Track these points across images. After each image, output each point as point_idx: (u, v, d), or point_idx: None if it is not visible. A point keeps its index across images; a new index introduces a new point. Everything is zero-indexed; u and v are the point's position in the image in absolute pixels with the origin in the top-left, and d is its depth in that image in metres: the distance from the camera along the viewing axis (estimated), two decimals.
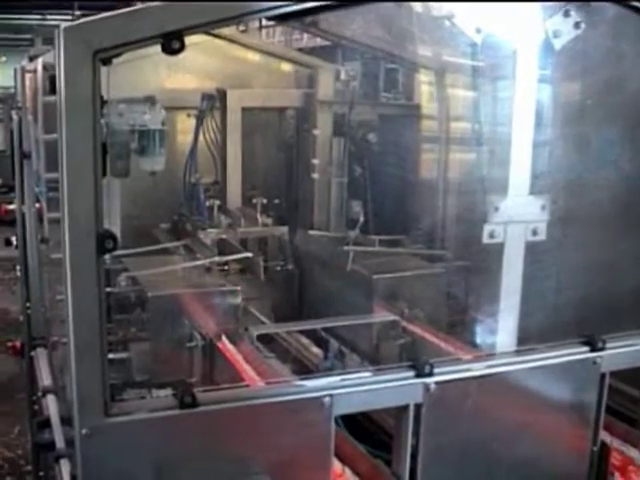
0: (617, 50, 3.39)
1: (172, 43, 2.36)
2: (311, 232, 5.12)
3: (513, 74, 2.99)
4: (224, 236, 4.79)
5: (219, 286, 4.04)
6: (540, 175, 3.10)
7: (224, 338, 3.87)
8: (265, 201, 4.99)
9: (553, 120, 3.33)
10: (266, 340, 3.99)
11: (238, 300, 3.99)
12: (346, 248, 4.54)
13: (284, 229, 4.95)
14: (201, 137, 5.06)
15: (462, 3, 3.13)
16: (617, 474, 3.44)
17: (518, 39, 2.98)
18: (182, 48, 2.37)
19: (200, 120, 4.98)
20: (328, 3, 2.64)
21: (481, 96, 3.51)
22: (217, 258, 4.39)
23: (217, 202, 4.93)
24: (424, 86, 5.16)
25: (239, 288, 4.06)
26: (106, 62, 2.33)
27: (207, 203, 4.93)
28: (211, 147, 5.08)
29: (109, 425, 2.51)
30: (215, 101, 4.99)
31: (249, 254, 4.58)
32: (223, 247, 4.73)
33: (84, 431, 2.46)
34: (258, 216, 4.89)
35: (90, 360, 2.44)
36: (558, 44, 3.03)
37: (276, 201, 5.07)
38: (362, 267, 4.33)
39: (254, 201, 4.97)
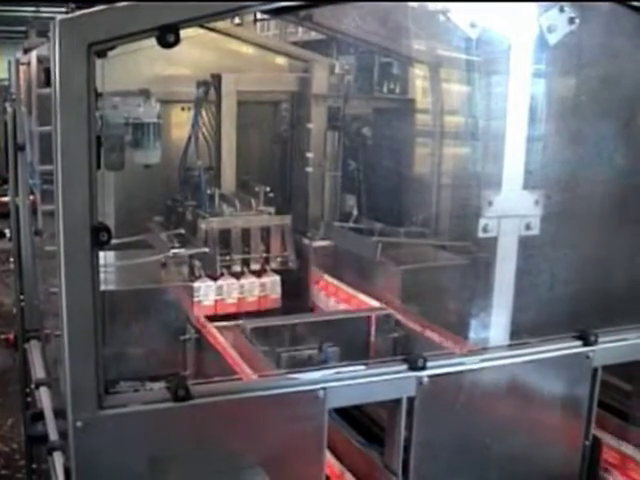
0: (612, 45, 3.39)
1: (167, 36, 2.35)
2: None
3: (508, 69, 3.00)
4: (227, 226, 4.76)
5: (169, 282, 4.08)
6: (534, 170, 3.11)
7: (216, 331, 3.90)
8: (268, 189, 4.97)
9: (547, 115, 3.34)
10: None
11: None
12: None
13: (287, 218, 4.95)
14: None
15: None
16: (611, 469, 3.46)
17: (513, 34, 2.98)
18: (177, 41, 2.37)
19: (198, 107, 4.96)
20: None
21: (476, 91, 3.52)
22: (172, 252, 4.39)
23: (218, 190, 4.91)
24: (418, 80, 5.16)
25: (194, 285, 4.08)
26: (101, 55, 2.33)
27: (208, 191, 4.89)
28: (205, 133, 5.06)
29: (102, 417, 2.51)
30: (210, 87, 4.97)
31: (205, 249, 4.57)
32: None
33: (78, 423, 2.46)
34: (257, 204, 4.87)
35: (84, 353, 2.44)
36: (553, 39, 3.03)
37: (270, 195, 5.07)
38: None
39: (257, 189, 4.95)
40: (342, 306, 4.59)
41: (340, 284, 4.70)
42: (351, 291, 4.58)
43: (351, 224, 5.06)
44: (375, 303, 4.39)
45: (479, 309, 3.21)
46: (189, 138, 4.96)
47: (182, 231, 4.78)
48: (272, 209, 4.92)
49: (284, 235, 4.91)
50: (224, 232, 4.74)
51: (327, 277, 4.81)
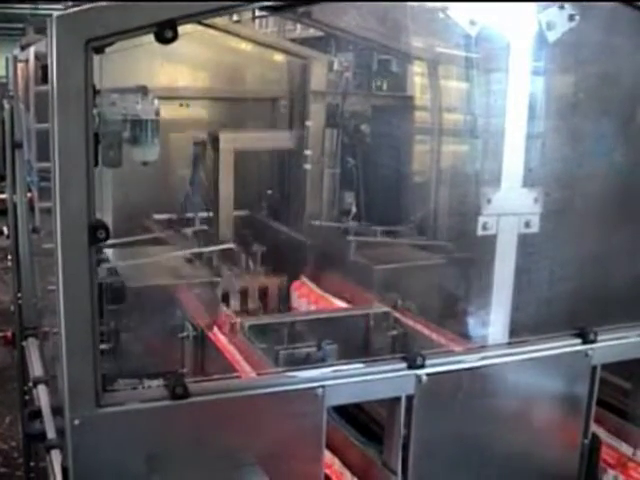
0: (611, 43, 3.38)
1: (165, 32, 2.34)
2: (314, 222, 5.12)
3: (507, 66, 2.98)
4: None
5: (199, 277, 4.04)
6: (533, 168, 3.10)
7: (216, 329, 3.87)
8: (265, 249, 4.93)
9: (547, 113, 3.33)
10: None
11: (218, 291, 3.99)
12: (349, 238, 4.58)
13: (284, 278, 4.92)
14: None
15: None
16: (609, 468, 3.45)
17: (512, 31, 2.97)
18: (175, 37, 2.36)
19: (196, 166, 4.92)
20: None
21: (475, 88, 3.50)
22: (197, 249, 4.36)
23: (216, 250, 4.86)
24: (417, 78, 5.14)
25: (219, 279, 4.06)
26: (99, 51, 2.32)
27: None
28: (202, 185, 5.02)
29: (100, 416, 2.50)
30: (207, 146, 4.92)
31: (231, 245, 4.54)
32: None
33: (75, 422, 2.45)
34: (258, 266, 4.85)
35: (81, 351, 2.43)
36: (552, 36, 3.02)
37: (269, 192, 5.04)
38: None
39: (254, 249, 4.93)
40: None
41: (312, 285, 4.70)
42: (320, 292, 4.58)
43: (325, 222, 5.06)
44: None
45: (479, 307, 3.20)
46: (186, 195, 4.92)
47: (205, 227, 4.76)
48: (270, 269, 4.90)
49: (280, 294, 4.90)
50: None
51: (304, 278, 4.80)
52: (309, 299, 4.62)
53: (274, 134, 5.40)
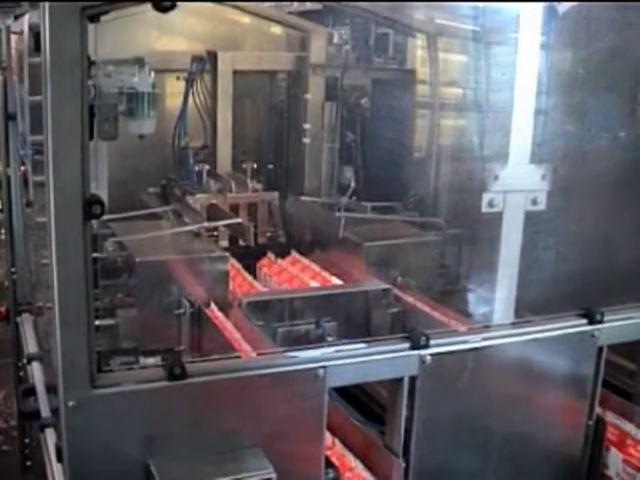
0: (621, 16, 3.31)
1: (163, 0, 2.26)
2: (303, 198, 5.05)
3: (515, 39, 2.91)
4: (213, 201, 4.72)
5: (208, 252, 3.96)
6: (541, 143, 3.03)
7: (213, 305, 3.81)
8: (255, 166, 4.94)
9: (556, 87, 3.26)
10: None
11: (227, 266, 3.93)
12: (338, 214, 4.47)
13: (274, 194, 4.89)
14: (191, 100, 4.96)
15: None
16: (614, 449, 3.41)
17: (521, 3, 2.89)
18: (174, 6, 2.27)
19: (190, 83, 4.88)
20: None
21: (481, 62, 3.42)
22: (207, 223, 4.31)
23: (206, 167, 4.86)
24: (420, 50, 5.06)
25: (228, 254, 4.01)
26: (94, 19, 2.23)
27: (196, 168, 4.85)
28: (201, 111, 4.99)
29: (96, 397, 2.44)
30: (205, 64, 4.89)
31: (239, 219, 4.50)
32: (212, 213, 4.65)
33: (70, 403, 2.39)
34: (248, 181, 4.82)
35: (76, 330, 2.36)
36: (562, 8, 2.95)
37: (270, 166, 5.00)
38: (353, 234, 4.29)
39: (244, 166, 4.92)
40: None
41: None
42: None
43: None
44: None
45: (483, 286, 3.15)
46: (180, 113, 4.87)
47: (177, 207, 4.71)
48: (259, 185, 4.91)
49: (271, 210, 4.89)
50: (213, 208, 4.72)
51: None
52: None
53: (274, 55, 5.35)
